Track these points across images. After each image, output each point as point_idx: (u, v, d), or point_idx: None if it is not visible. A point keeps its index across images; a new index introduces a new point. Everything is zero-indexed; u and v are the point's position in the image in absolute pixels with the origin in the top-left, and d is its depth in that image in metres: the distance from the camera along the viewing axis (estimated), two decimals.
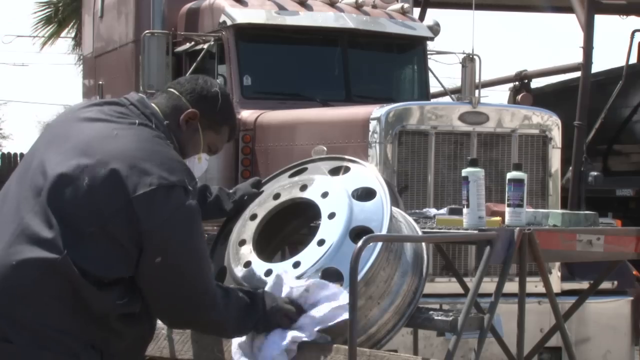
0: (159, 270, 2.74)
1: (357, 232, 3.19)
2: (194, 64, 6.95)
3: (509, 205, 3.61)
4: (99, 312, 2.73)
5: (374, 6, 7.52)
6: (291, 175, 3.57)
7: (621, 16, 11.92)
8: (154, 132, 2.87)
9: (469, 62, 7.70)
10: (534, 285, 4.78)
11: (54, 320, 2.69)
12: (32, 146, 2.97)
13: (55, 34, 18.65)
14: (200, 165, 3.08)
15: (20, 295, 2.67)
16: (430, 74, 7.69)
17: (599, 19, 8.89)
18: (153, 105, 2.98)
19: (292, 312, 3.02)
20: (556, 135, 5.86)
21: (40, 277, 2.67)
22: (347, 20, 7.21)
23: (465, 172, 3.54)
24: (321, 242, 3.21)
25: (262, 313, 2.97)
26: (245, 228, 3.38)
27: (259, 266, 3.34)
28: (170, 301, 2.82)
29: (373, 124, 5.61)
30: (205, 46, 6.96)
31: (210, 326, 2.97)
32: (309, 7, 7.18)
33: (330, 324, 3.01)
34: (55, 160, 2.78)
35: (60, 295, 2.69)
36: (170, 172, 2.76)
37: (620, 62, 10.25)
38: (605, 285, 5.62)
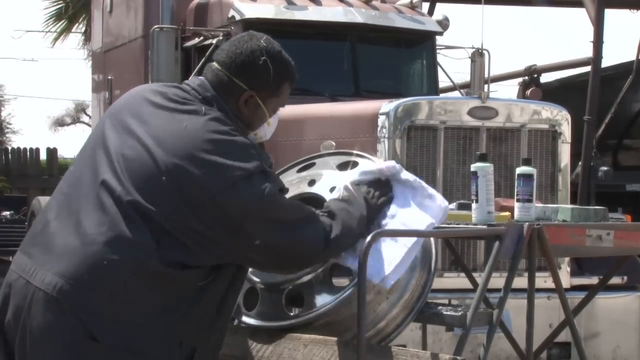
0: (262, 248, 2.75)
1: None
2: (203, 59, 6.95)
3: (518, 200, 3.60)
4: (184, 300, 2.69)
5: (383, 1, 7.51)
6: (299, 170, 3.57)
7: (631, 10, 11.89)
8: (220, 119, 2.79)
9: (478, 56, 7.69)
10: (543, 280, 4.77)
11: (143, 320, 2.65)
12: (96, 130, 2.88)
13: (66, 30, 18.66)
14: (271, 127, 3.03)
15: (110, 294, 2.63)
16: (439, 69, 7.68)
17: (609, 13, 8.86)
18: (212, 88, 2.88)
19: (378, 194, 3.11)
20: (566, 130, 5.85)
21: (130, 278, 2.63)
22: (356, 15, 7.20)
23: (474, 167, 3.53)
24: None
25: (366, 216, 3.02)
26: None
27: None
28: (286, 267, 2.94)
29: (382, 119, 5.60)
30: (214, 41, 6.95)
31: (330, 257, 3.04)
32: (317, 2, 7.17)
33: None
34: (126, 154, 2.73)
35: (150, 294, 2.65)
36: (245, 160, 2.72)
37: (630, 56, 10.22)
38: (615, 280, 5.60)
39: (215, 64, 2.93)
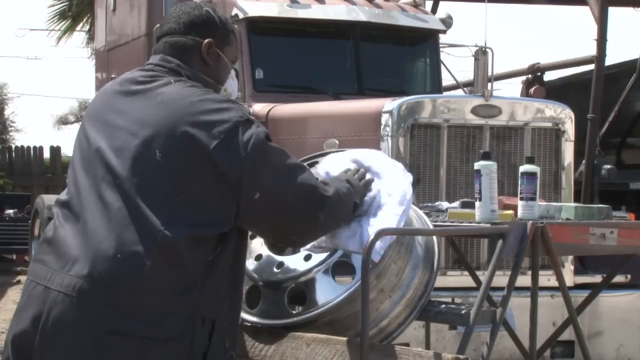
0: (262, 203, 2.74)
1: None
2: None
3: (521, 199, 3.60)
4: (199, 276, 2.71)
5: None
6: None
7: (635, 8, 11.87)
8: (190, 83, 2.87)
9: (481, 55, 7.66)
10: (547, 278, 4.77)
11: (166, 305, 2.67)
12: (79, 138, 2.91)
13: (70, 29, 18.70)
14: (234, 82, 3.11)
15: (131, 286, 2.65)
16: (442, 67, 7.68)
17: (613, 11, 8.84)
18: (173, 58, 2.95)
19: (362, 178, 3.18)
20: (569, 128, 5.84)
21: (147, 267, 2.65)
22: (359, 13, 7.20)
23: (477, 165, 3.53)
24: None
25: (356, 192, 3.08)
26: None
27: (270, 259, 3.35)
28: (286, 224, 2.83)
29: (385, 117, 5.60)
30: None
31: (328, 226, 2.99)
32: (321, 0, 7.17)
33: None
34: (115, 146, 2.77)
35: (168, 277, 2.67)
36: (228, 112, 2.77)
37: (633, 54, 10.20)
38: (619, 278, 5.59)
39: (163, 38, 3.01)
